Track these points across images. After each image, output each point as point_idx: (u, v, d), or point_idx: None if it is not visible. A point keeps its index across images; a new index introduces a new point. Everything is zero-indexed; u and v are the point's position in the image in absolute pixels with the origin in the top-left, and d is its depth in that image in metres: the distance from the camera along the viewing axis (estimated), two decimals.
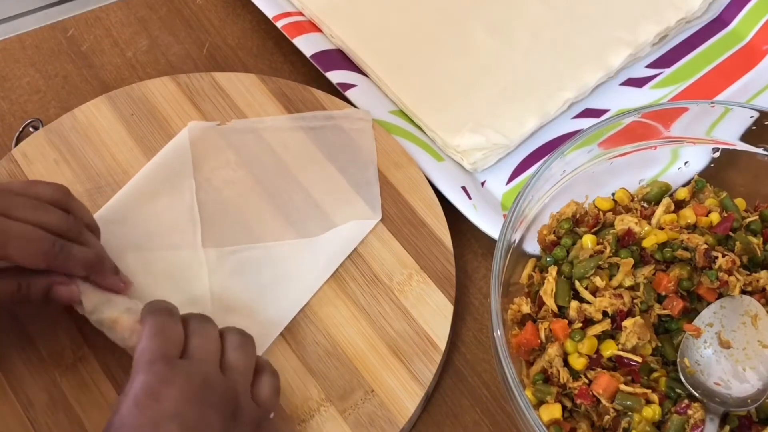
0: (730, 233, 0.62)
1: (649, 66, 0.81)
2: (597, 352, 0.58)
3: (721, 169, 0.68)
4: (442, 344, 0.65)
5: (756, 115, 0.64)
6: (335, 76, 0.77)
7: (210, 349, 0.55)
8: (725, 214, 0.64)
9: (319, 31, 0.81)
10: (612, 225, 0.64)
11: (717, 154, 0.67)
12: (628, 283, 0.60)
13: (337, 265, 0.67)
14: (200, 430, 0.51)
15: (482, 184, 0.74)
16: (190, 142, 0.72)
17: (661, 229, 0.62)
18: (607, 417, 0.56)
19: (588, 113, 0.78)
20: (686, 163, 0.68)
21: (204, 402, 0.52)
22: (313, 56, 0.78)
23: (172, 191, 0.70)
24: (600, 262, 0.61)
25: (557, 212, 0.65)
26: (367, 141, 0.73)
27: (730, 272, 0.59)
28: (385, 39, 0.79)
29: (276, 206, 0.70)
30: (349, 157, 0.72)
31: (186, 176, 0.70)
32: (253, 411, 0.55)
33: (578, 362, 0.58)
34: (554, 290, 0.61)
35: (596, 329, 0.59)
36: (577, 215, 0.65)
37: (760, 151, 0.66)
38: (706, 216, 0.63)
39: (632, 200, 0.66)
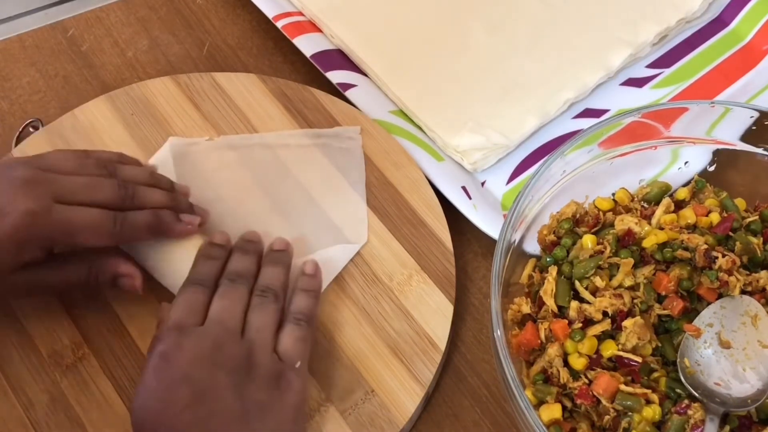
0: (730, 233, 0.62)
1: (649, 66, 0.81)
2: (597, 352, 0.58)
3: (721, 169, 0.68)
4: (442, 344, 0.65)
5: (756, 115, 0.64)
6: (335, 76, 0.77)
7: (232, 310, 0.58)
8: (725, 214, 0.64)
9: (319, 31, 0.81)
10: (612, 225, 0.64)
11: (716, 161, 0.67)
12: (628, 283, 0.60)
13: (323, 287, 0.66)
14: (210, 389, 0.54)
15: (482, 184, 0.74)
16: (173, 158, 0.71)
17: (661, 229, 0.62)
18: (607, 417, 0.56)
19: (588, 113, 0.78)
20: (686, 163, 0.68)
21: (213, 364, 0.55)
22: (313, 56, 0.78)
23: None
24: (600, 262, 0.61)
25: (557, 212, 0.65)
26: (355, 159, 0.72)
27: (730, 272, 0.59)
28: (385, 39, 0.79)
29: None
30: (336, 179, 0.71)
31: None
32: (273, 365, 0.57)
33: (578, 362, 0.58)
34: (554, 290, 0.60)
35: (596, 329, 0.59)
36: (577, 215, 0.65)
37: (760, 151, 0.66)
38: (706, 216, 0.63)
39: (632, 200, 0.66)
